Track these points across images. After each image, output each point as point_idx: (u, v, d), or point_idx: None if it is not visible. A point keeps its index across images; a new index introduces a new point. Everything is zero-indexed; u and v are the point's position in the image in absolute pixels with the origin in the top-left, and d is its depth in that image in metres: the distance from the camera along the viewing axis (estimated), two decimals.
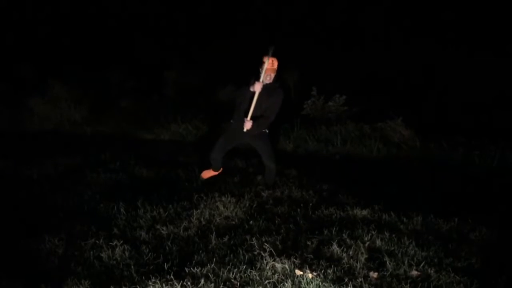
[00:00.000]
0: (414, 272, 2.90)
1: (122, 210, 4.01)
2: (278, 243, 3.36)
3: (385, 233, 3.43)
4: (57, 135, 8.41)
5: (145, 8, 12.61)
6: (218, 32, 12.42)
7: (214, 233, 3.50)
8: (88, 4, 12.55)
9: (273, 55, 4.23)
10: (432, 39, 10.22)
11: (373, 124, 7.18)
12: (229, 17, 12.51)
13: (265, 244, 3.26)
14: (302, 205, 4.16)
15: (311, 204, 4.20)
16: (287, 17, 11.99)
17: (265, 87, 4.30)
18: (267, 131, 4.69)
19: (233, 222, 3.82)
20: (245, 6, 12.21)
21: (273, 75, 4.34)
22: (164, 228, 3.63)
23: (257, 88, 4.25)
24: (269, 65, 4.23)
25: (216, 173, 5.00)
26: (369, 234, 3.42)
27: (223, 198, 4.23)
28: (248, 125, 4.39)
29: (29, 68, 11.02)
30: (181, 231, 3.60)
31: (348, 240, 3.34)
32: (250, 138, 4.64)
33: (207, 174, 5.02)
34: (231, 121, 4.68)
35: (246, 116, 4.39)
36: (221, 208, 4.04)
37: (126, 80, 11.04)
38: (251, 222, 3.78)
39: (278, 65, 4.32)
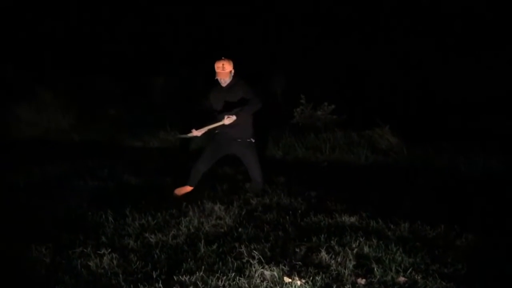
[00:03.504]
0: (401, 279, 2.92)
1: (110, 218, 3.99)
2: (267, 250, 3.37)
3: (373, 239, 3.45)
4: (44, 142, 8.32)
5: (133, 13, 12.55)
6: (205, 36, 12.38)
7: (203, 240, 3.49)
8: (77, 9, 12.47)
9: (226, 57, 4.45)
10: (426, 40, 10.23)
11: (360, 131, 7.25)
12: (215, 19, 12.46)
13: (254, 251, 3.27)
14: (291, 212, 4.17)
15: (299, 211, 4.22)
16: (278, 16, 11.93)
17: (227, 88, 4.52)
18: (253, 141, 4.71)
19: (222, 230, 3.82)
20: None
21: (227, 79, 4.49)
22: (153, 236, 3.61)
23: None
24: (219, 69, 4.42)
25: (191, 189, 4.77)
26: (357, 241, 3.45)
27: (214, 206, 4.24)
28: (229, 120, 4.36)
29: (16, 74, 10.87)
30: (170, 239, 3.59)
31: (336, 247, 3.36)
32: (237, 147, 4.65)
33: (182, 190, 4.77)
34: (216, 131, 4.67)
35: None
36: (210, 215, 4.04)
37: (114, 87, 10.97)
38: (240, 229, 3.78)
39: (234, 66, 4.51)
